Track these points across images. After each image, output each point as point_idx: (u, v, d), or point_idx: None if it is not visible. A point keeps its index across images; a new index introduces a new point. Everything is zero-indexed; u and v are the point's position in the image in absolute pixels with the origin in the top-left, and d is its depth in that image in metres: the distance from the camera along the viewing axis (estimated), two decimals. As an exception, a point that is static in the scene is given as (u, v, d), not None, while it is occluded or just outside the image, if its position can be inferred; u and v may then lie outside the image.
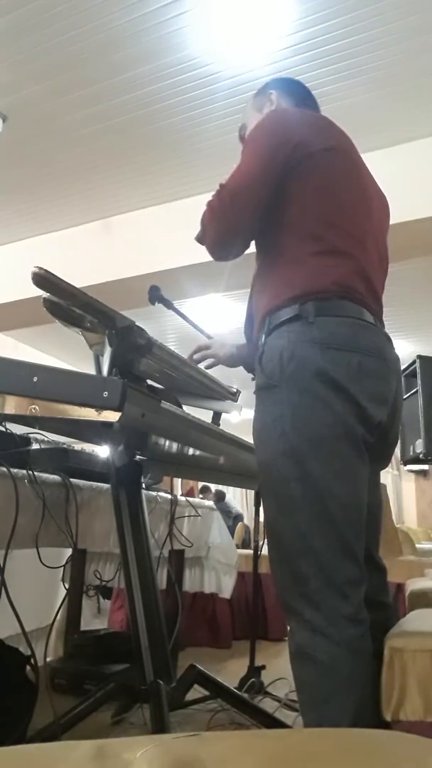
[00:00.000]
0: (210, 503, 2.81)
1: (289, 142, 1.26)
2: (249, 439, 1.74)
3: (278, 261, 1.28)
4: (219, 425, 1.80)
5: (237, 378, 1.92)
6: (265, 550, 3.01)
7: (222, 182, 1.28)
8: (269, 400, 1.21)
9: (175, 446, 1.46)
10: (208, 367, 1.68)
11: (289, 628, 1.20)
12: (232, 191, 1.25)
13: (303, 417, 1.15)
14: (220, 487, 8.39)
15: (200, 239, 1.37)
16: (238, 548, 3.34)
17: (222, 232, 1.28)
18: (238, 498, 10.76)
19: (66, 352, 7.07)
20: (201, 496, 7.77)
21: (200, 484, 8.20)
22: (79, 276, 3.78)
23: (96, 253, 4.56)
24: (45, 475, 1.50)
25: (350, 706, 1.08)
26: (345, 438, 1.16)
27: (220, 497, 8.04)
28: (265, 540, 3.20)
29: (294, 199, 1.26)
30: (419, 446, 2.36)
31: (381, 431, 1.25)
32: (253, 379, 2.58)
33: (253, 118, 1.48)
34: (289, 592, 1.16)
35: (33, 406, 1.07)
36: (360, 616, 1.13)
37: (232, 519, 8.22)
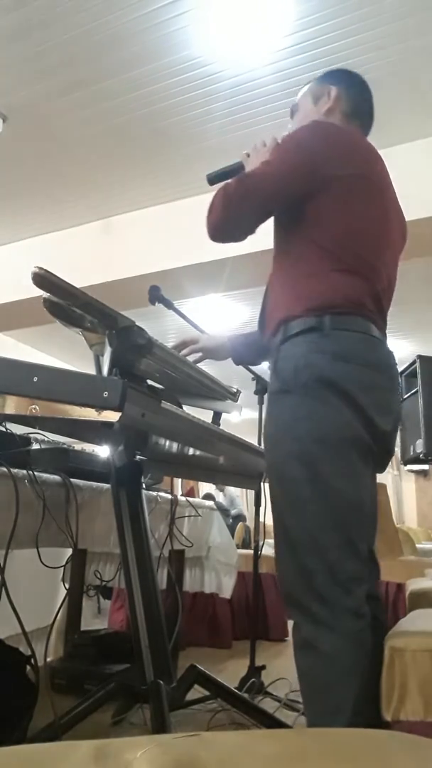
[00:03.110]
0: (210, 503, 2.81)
1: (321, 162, 1.30)
2: (249, 439, 1.75)
3: (296, 270, 1.33)
4: (219, 425, 1.80)
5: (237, 378, 1.92)
6: (265, 551, 3.01)
7: (247, 171, 1.33)
8: (283, 405, 1.26)
9: (175, 446, 1.46)
10: (196, 361, 1.70)
11: (292, 621, 1.24)
12: (253, 186, 1.29)
13: (315, 422, 1.21)
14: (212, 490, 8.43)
15: (207, 213, 1.36)
16: (238, 548, 3.34)
17: (228, 218, 1.32)
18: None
19: (66, 352, 7.07)
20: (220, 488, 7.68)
21: (202, 489, 8.19)
22: (79, 276, 3.79)
23: (96, 253, 4.56)
24: (45, 475, 1.50)
25: (352, 695, 1.14)
26: (353, 443, 1.23)
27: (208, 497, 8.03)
28: (265, 540, 3.19)
29: (318, 216, 1.31)
30: (419, 446, 2.35)
31: (385, 440, 1.32)
32: (253, 379, 2.58)
33: (307, 104, 1.52)
34: (295, 587, 1.21)
35: (33, 406, 1.07)
36: (362, 611, 1.19)
37: (233, 518, 8.22)
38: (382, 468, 1.40)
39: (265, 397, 2.66)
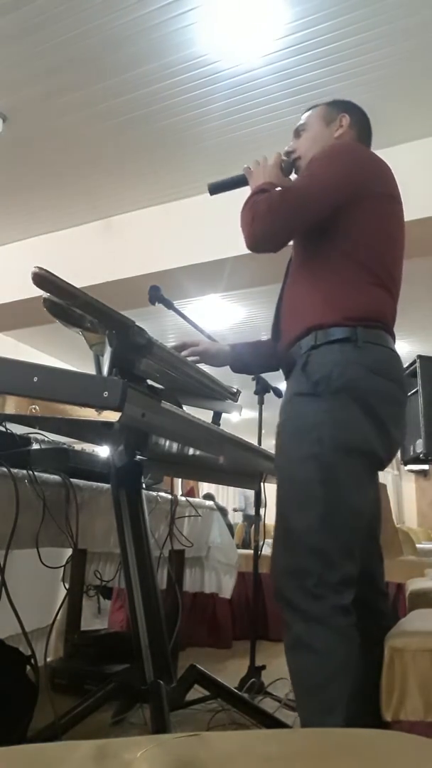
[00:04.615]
0: (210, 503, 2.81)
1: (358, 179, 1.36)
2: (249, 439, 1.75)
3: (331, 280, 1.37)
4: (219, 425, 1.80)
5: (237, 378, 1.92)
6: (265, 550, 3.01)
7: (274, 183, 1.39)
8: (309, 407, 1.29)
9: (175, 446, 1.46)
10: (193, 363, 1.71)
11: (283, 620, 1.25)
12: (299, 198, 1.33)
13: (339, 429, 1.26)
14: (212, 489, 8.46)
15: (246, 224, 1.38)
16: (238, 548, 3.34)
17: (272, 230, 1.34)
18: (234, 499, 10.73)
19: (66, 352, 7.07)
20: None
21: (202, 489, 8.20)
22: (79, 276, 3.79)
23: (96, 253, 4.56)
24: (45, 475, 1.50)
25: (345, 693, 1.15)
26: (367, 456, 1.29)
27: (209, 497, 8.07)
28: (265, 540, 3.19)
29: (351, 230, 1.36)
30: (419, 446, 2.35)
31: (394, 451, 1.38)
32: (253, 379, 2.58)
33: (317, 125, 1.56)
34: (288, 584, 1.23)
35: (33, 406, 1.06)
36: (350, 608, 1.21)
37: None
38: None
39: (266, 397, 2.67)
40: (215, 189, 1.60)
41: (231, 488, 10.34)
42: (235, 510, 9.04)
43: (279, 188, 1.36)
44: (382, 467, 1.37)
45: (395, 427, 1.33)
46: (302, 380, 1.32)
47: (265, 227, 1.33)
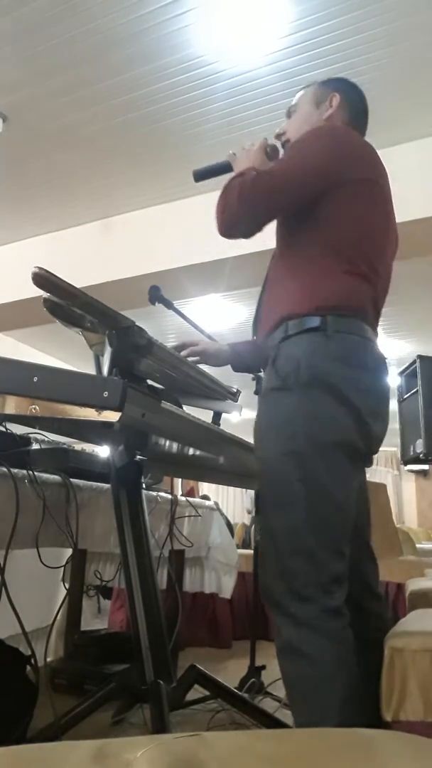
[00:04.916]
0: (210, 503, 2.81)
1: (336, 164, 1.31)
2: (249, 439, 1.75)
3: (307, 270, 1.32)
4: (219, 425, 1.80)
5: (237, 378, 1.92)
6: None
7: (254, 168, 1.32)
8: (281, 402, 1.26)
9: (175, 446, 1.46)
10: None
11: (274, 624, 1.22)
12: (271, 184, 1.28)
13: (312, 423, 1.21)
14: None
15: (218, 209, 1.34)
16: (238, 548, 3.34)
17: (240, 216, 1.30)
18: (233, 499, 10.73)
19: (66, 352, 7.07)
20: None
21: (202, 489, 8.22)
22: (79, 276, 3.79)
23: (96, 253, 4.56)
24: (45, 475, 1.50)
25: (339, 694, 1.12)
26: (346, 448, 1.23)
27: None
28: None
29: (328, 217, 1.31)
30: (419, 446, 2.36)
31: (374, 444, 1.33)
32: (253, 379, 2.59)
33: (307, 105, 1.52)
34: (275, 586, 1.20)
35: (33, 406, 1.07)
36: (343, 610, 1.18)
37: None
38: (368, 464, 1.41)
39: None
40: (200, 176, 1.58)
41: (237, 490, 10.34)
42: (248, 512, 9.07)
43: (255, 173, 1.31)
44: (363, 461, 1.32)
45: (373, 419, 1.27)
46: (272, 374, 1.29)
47: (234, 213, 1.29)
